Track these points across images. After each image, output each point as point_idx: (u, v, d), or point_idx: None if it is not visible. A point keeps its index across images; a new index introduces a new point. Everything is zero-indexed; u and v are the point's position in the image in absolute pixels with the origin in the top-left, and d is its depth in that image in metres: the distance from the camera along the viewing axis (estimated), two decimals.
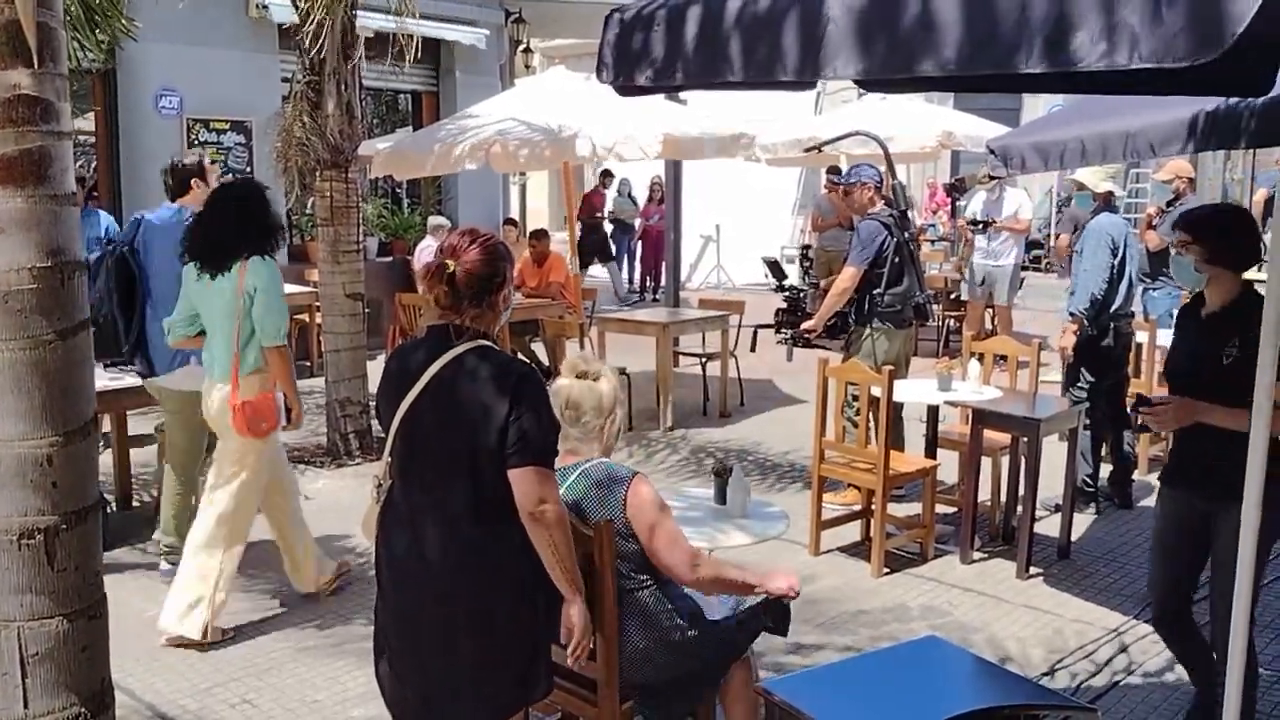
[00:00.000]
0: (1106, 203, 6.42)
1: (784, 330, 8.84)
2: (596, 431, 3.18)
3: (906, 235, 6.33)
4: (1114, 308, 6.21)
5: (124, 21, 6.48)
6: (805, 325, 6.82)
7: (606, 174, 16.71)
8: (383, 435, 2.92)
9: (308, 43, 6.90)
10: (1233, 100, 4.58)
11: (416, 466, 2.82)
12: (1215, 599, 3.54)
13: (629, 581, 3.06)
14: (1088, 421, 6.20)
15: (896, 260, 6.25)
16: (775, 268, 11.98)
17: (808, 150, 9.31)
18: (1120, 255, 6.18)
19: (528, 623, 2.81)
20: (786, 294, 9.41)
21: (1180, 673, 4.36)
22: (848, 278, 6.27)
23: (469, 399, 2.71)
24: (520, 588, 2.79)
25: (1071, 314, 6.22)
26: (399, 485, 2.87)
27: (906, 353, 6.46)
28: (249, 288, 4.58)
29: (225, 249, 4.60)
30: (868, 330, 6.31)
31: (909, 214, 6.41)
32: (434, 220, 11.33)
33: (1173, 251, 6.71)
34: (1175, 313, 7.70)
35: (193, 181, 5.30)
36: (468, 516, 2.75)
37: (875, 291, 6.23)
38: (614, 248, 16.82)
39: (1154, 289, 8.31)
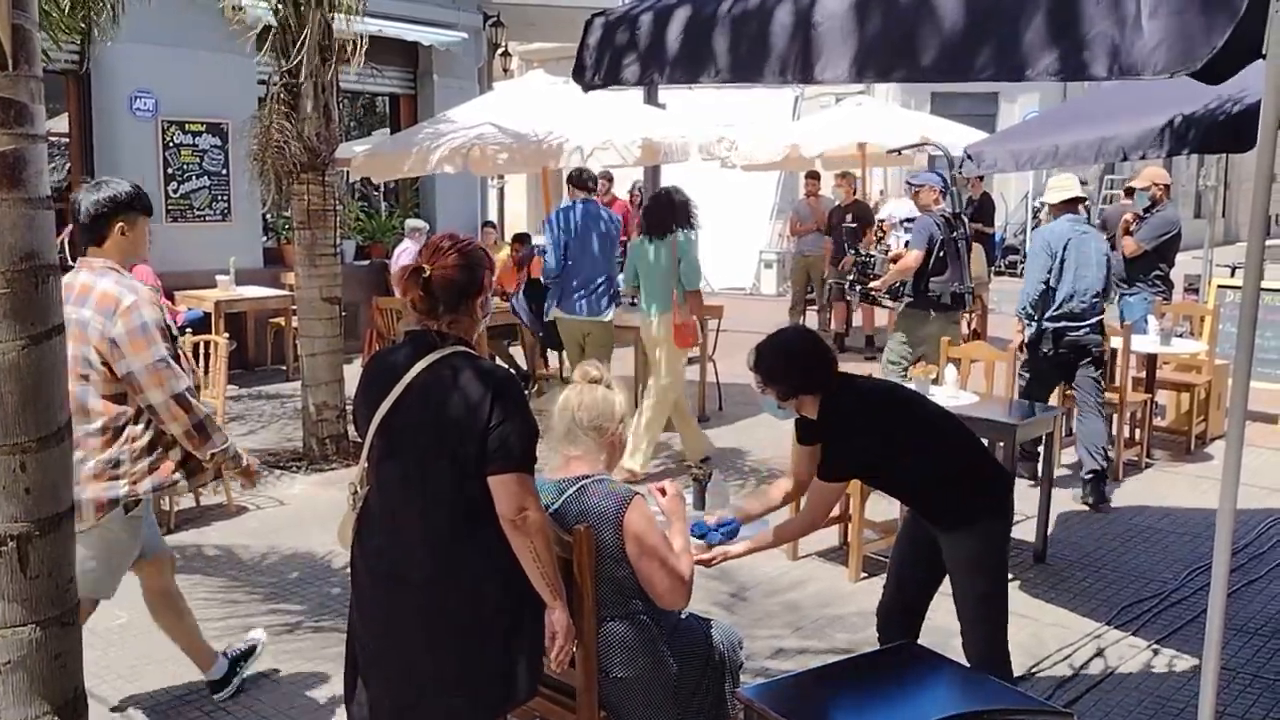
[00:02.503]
0: (1062, 210, 6.65)
1: (856, 287, 10.51)
2: (607, 439, 3.12)
3: (955, 234, 7.18)
4: (1056, 310, 6.43)
5: (66, 23, 6.39)
6: (873, 285, 8.49)
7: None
8: (359, 440, 2.90)
9: (286, 47, 6.86)
10: (1204, 106, 4.64)
11: (394, 472, 2.80)
12: (958, 616, 3.58)
13: (615, 609, 3.02)
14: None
15: (942, 254, 7.10)
16: (852, 233, 12.62)
17: (889, 153, 11.27)
18: (1059, 259, 6.40)
19: (507, 624, 2.80)
20: (860, 257, 10.57)
21: (1157, 676, 4.40)
22: (911, 259, 7.23)
23: (447, 405, 2.70)
24: (499, 590, 2.78)
25: (1016, 315, 6.79)
26: (376, 491, 2.85)
27: (951, 336, 6.99)
28: (680, 251, 6.98)
29: (664, 226, 6.97)
30: (912, 310, 7.22)
31: (961, 215, 7.37)
32: (412, 223, 11.29)
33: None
34: (1149, 318, 7.84)
35: (576, 187, 7.62)
36: (445, 521, 2.74)
37: (921, 278, 7.12)
38: None
39: (1130, 294, 8.37)
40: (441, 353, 2.75)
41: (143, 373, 3.54)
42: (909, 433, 3.50)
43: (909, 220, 9.84)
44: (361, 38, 7.10)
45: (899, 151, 10.87)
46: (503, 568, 2.76)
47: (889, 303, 8.26)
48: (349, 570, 3.00)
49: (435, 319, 2.79)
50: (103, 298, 3.58)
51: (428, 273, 2.75)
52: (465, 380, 2.71)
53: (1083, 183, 7.16)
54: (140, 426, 3.64)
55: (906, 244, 7.86)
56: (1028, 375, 6.62)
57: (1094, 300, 6.49)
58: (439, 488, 2.73)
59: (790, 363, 3.43)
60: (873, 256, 11.19)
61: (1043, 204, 7.14)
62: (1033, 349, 6.58)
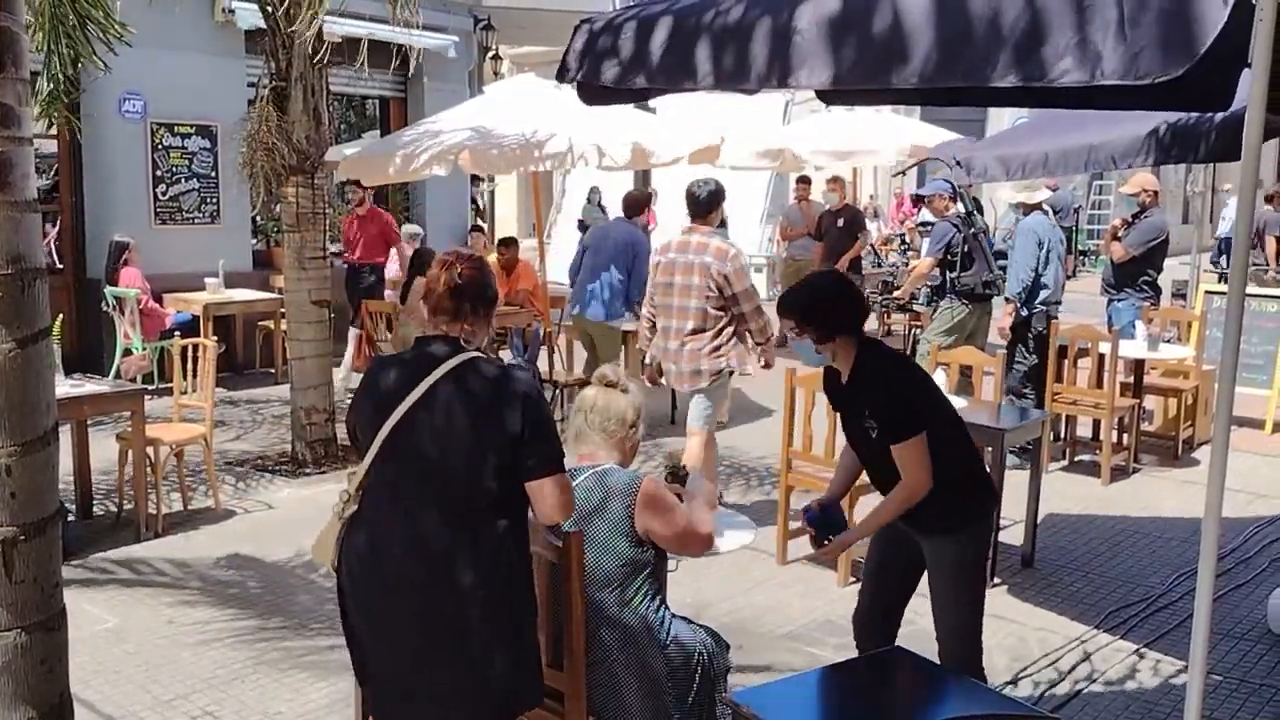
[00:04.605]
0: (1034, 208, 7.73)
1: (883, 297, 11.31)
2: (618, 440, 3.24)
3: (972, 230, 7.83)
4: (1045, 294, 7.52)
5: (117, 27, 6.37)
6: (896, 294, 9.86)
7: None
8: (349, 444, 2.87)
9: (275, 49, 6.85)
10: (1192, 114, 4.65)
11: (407, 477, 2.75)
12: (935, 620, 3.55)
13: (616, 594, 3.04)
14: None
15: (966, 250, 7.72)
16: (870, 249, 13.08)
17: (894, 175, 12.58)
18: (1045, 249, 7.47)
19: (510, 631, 2.78)
20: (882, 271, 11.41)
21: (1144, 680, 4.41)
22: (925, 265, 8.14)
23: (473, 410, 2.70)
24: (505, 595, 2.76)
25: (1007, 298, 7.56)
26: (380, 497, 2.79)
27: (983, 326, 7.81)
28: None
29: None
30: (945, 304, 7.78)
31: (974, 214, 7.99)
32: (408, 228, 11.30)
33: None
34: (1137, 323, 7.87)
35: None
36: (456, 527, 2.71)
37: (951, 275, 7.72)
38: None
39: (1119, 299, 8.38)
40: (462, 358, 2.74)
41: (741, 295, 5.73)
42: (934, 412, 3.42)
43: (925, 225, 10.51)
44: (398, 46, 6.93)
45: (903, 173, 12.02)
46: (508, 572, 2.76)
47: (919, 307, 9.26)
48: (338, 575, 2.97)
49: (458, 322, 2.80)
50: (718, 250, 5.76)
51: (459, 271, 2.78)
52: (490, 385, 2.72)
53: (1053, 189, 8.14)
54: (731, 328, 5.80)
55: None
56: (1027, 361, 7.57)
57: (1063, 288, 7.83)
58: (452, 492, 2.71)
59: (824, 301, 3.38)
60: (895, 268, 11.85)
61: (1017, 204, 8.14)
62: (1024, 329, 7.55)
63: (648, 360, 6.35)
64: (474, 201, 15.72)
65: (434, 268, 2.85)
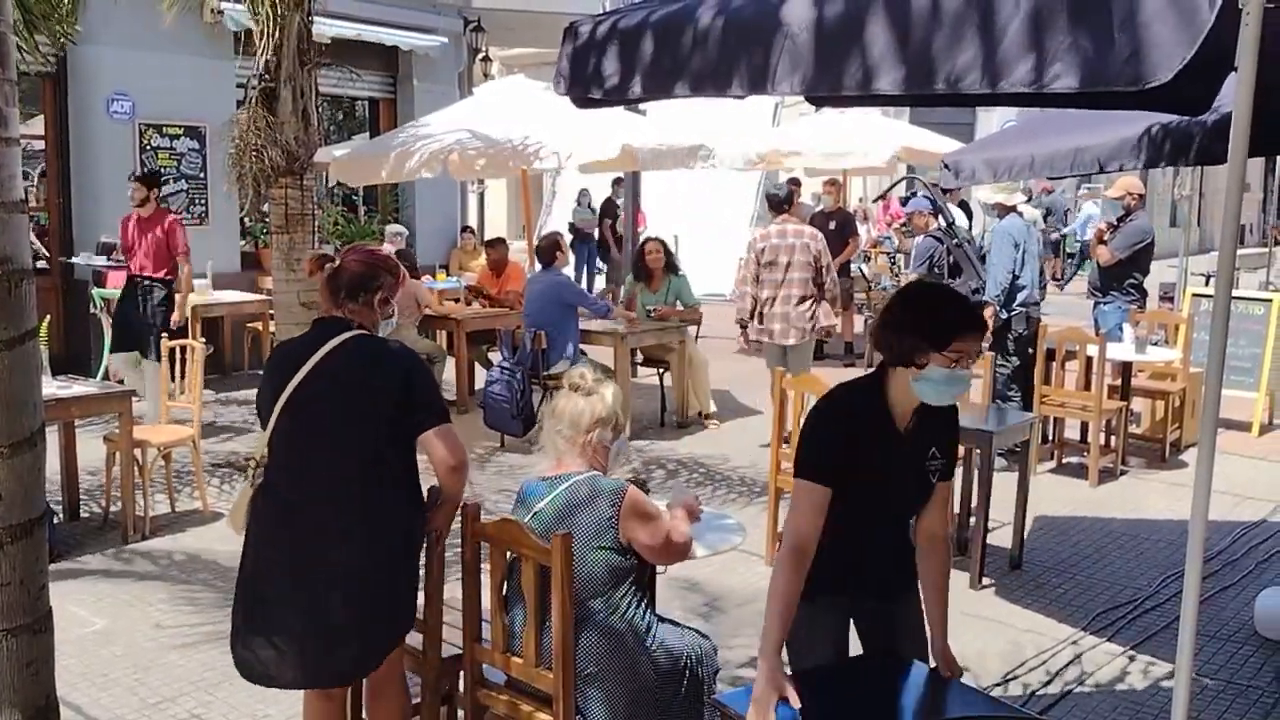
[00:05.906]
0: (1009, 210, 7.80)
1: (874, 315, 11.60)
2: (580, 446, 3.17)
3: (955, 240, 8.10)
4: (1023, 295, 7.58)
5: (63, 25, 6.33)
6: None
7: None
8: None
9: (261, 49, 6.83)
10: (1180, 118, 4.67)
11: (305, 442, 3.03)
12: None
13: (603, 601, 3.04)
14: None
15: (952, 261, 8.09)
16: (861, 277, 13.29)
17: (876, 200, 13.23)
18: (1021, 250, 7.56)
19: (406, 571, 3.09)
20: (878, 289, 12.30)
21: (1131, 682, 4.43)
22: (910, 281, 8.24)
23: (360, 376, 3.01)
24: (403, 543, 3.06)
25: (985, 301, 7.53)
26: (284, 463, 3.07)
27: None
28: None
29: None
30: None
31: (954, 224, 8.16)
32: (391, 228, 11.29)
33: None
34: (1124, 326, 7.90)
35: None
36: (357, 485, 2.99)
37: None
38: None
39: (1105, 303, 8.41)
40: (348, 334, 3.05)
41: (828, 266, 7.46)
42: None
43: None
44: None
45: (883, 196, 12.59)
46: (408, 522, 3.07)
47: None
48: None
49: (339, 306, 3.14)
50: (812, 234, 7.57)
51: (336, 262, 3.17)
52: (374, 354, 3.06)
53: (1048, 192, 8.29)
54: (820, 296, 7.48)
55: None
56: (1009, 364, 7.59)
57: (1042, 288, 8.01)
58: (351, 453, 3.00)
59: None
60: (885, 287, 12.24)
61: (994, 204, 8.12)
62: (1003, 331, 7.59)
63: (742, 326, 7.68)
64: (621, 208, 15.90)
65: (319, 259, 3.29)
